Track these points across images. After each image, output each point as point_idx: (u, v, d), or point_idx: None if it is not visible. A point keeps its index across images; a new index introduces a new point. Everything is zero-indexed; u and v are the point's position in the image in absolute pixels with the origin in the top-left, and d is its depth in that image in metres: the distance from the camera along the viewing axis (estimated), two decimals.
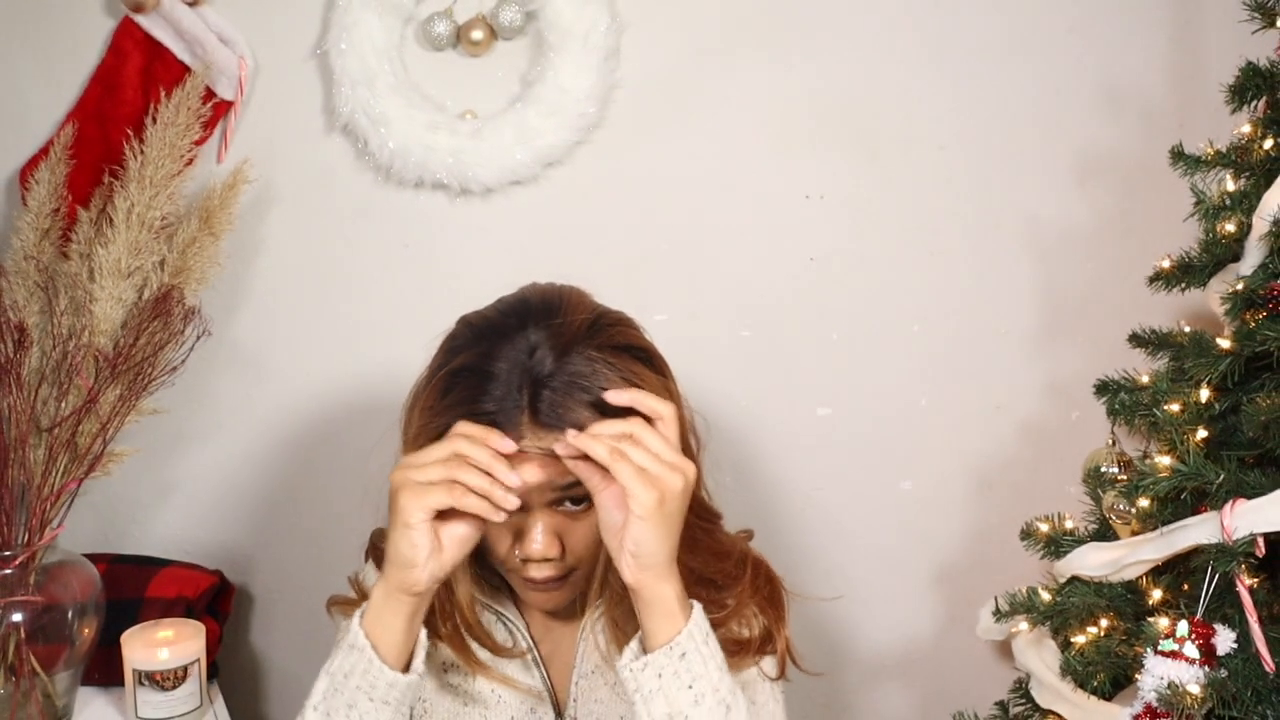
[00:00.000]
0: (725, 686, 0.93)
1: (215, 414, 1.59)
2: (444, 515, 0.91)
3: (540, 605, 1.04)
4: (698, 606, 0.94)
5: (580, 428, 0.91)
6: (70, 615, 1.34)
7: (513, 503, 0.89)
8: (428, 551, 0.90)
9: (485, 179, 1.52)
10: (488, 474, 0.88)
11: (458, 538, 0.92)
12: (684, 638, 0.92)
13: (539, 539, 0.96)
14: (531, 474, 0.92)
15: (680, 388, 1.03)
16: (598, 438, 0.89)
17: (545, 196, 1.55)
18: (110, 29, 1.51)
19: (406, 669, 0.94)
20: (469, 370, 0.95)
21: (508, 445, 0.90)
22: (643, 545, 0.89)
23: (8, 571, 1.30)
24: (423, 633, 0.95)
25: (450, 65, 1.53)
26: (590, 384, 0.93)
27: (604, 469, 0.89)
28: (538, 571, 0.99)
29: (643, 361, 0.99)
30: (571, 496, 0.96)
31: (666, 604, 0.92)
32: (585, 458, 0.90)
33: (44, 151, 1.48)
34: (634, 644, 0.94)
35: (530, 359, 0.93)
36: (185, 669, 1.35)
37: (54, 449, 1.32)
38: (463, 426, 0.91)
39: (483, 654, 1.07)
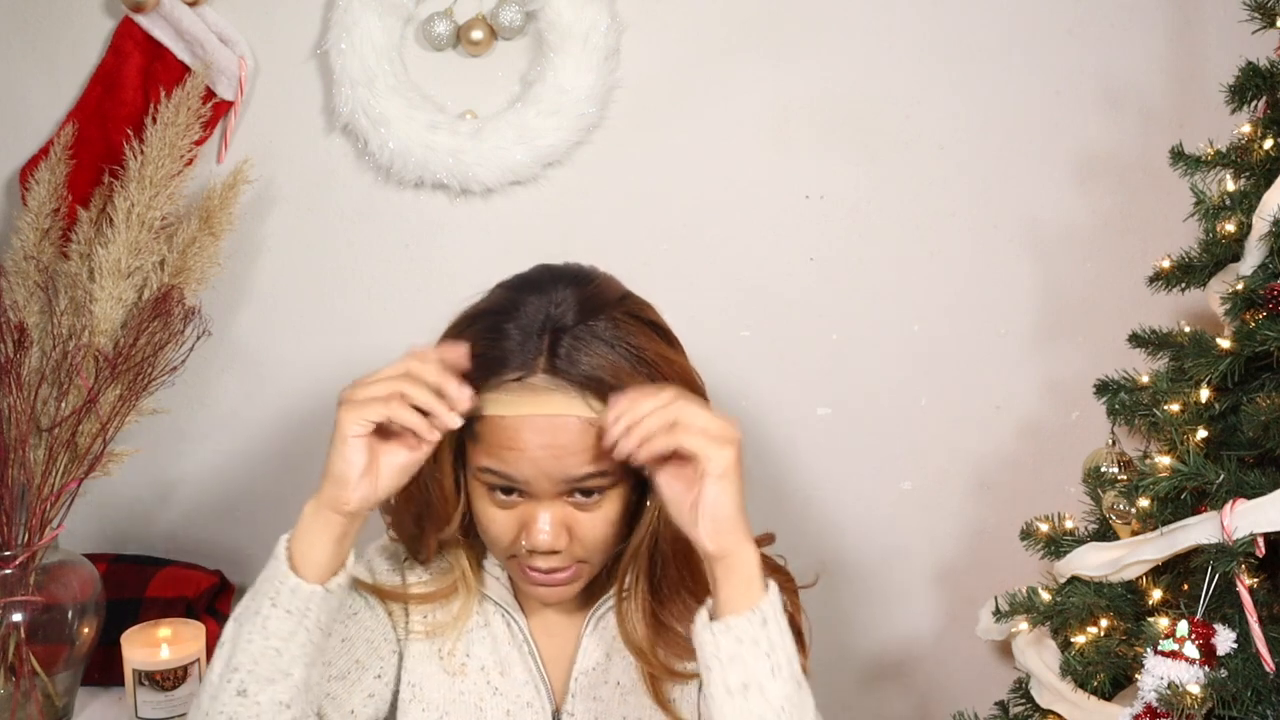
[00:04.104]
0: (797, 664, 0.91)
1: (215, 414, 1.60)
2: (385, 439, 0.91)
3: (543, 599, 1.03)
4: (773, 582, 0.92)
5: (595, 379, 0.91)
6: (70, 615, 1.34)
7: (455, 421, 0.88)
8: (360, 470, 0.89)
9: (485, 179, 1.52)
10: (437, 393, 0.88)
11: (396, 465, 0.91)
12: (767, 605, 0.90)
13: (546, 529, 0.95)
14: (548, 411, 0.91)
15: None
16: (643, 417, 0.87)
17: (545, 196, 1.56)
18: (110, 29, 1.51)
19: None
20: (492, 312, 0.96)
21: (459, 351, 0.90)
22: (722, 507, 0.88)
23: (8, 571, 1.30)
24: (350, 559, 0.94)
25: (450, 65, 1.54)
26: (611, 339, 0.94)
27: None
28: (544, 562, 0.97)
29: (663, 340, 0.99)
30: (582, 488, 0.95)
31: (749, 570, 0.90)
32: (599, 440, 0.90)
33: (44, 151, 1.48)
34: (703, 611, 0.92)
35: (555, 309, 0.94)
36: (185, 669, 1.35)
37: (54, 449, 1.32)
38: (413, 349, 0.91)
39: (480, 648, 1.07)
